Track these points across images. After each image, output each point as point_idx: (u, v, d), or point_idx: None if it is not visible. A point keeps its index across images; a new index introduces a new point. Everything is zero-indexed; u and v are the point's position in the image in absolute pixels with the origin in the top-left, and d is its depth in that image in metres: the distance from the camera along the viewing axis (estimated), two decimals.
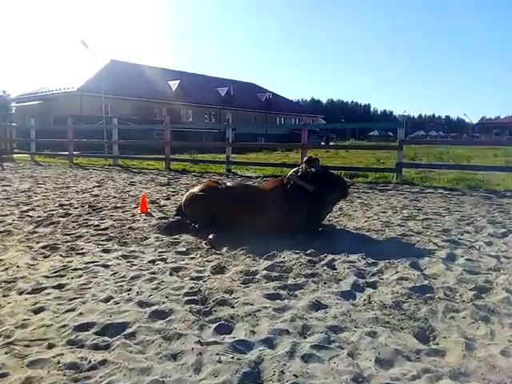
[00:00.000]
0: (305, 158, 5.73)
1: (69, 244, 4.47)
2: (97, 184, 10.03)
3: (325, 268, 3.84)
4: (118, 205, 7.05)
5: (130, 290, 3.17)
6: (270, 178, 12.15)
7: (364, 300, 3.07)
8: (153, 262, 3.94)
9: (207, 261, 3.99)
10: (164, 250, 4.35)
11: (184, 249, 4.36)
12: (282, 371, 2.05)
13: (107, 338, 2.41)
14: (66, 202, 7.20)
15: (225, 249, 4.35)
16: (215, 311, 2.80)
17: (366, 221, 6.01)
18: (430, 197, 8.82)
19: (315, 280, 3.51)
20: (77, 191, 8.70)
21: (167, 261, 3.97)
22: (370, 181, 11.51)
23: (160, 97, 39.89)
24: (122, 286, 3.24)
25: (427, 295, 3.16)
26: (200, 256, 4.15)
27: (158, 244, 4.53)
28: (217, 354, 2.19)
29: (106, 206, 6.87)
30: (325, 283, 3.46)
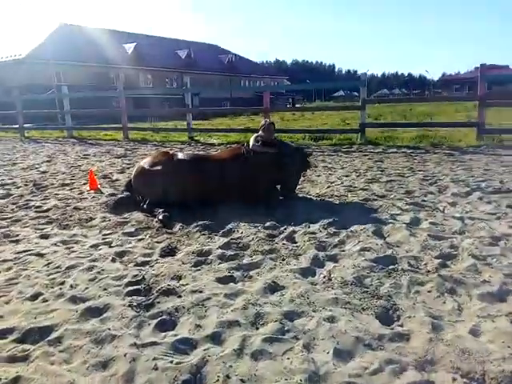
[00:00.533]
0: (260, 124, 5.37)
1: (2, 230, 4.01)
2: (47, 159, 9.33)
3: (284, 242, 3.58)
4: (66, 182, 6.51)
5: (63, 283, 2.80)
6: (233, 144, 11.73)
7: (324, 277, 2.83)
8: (95, 246, 3.56)
9: (157, 242, 3.65)
10: (110, 231, 3.96)
11: (132, 229, 3.99)
12: (228, 375, 1.79)
13: (27, 347, 2.07)
14: (9, 181, 6.59)
15: (178, 226, 4.02)
16: (158, 303, 2.50)
17: (328, 186, 5.78)
18: (393, 157, 8.70)
19: (273, 257, 3.25)
20: (23, 168, 8.03)
21: (112, 245, 3.60)
22: (335, 143, 11.29)
23: (116, 61, 37.76)
24: (54, 278, 2.87)
25: (390, 267, 2.97)
26: (149, 237, 3.80)
27: (103, 225, 4.13)
28: (153, 359, 1.90)
29: (53, 184, 6.33)
30: (283, 260, 3.20)
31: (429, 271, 2.89)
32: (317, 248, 3.39)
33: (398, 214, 4.31)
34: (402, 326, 2.19)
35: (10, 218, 4.46)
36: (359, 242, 3.49)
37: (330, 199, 4.98)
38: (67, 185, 6.28)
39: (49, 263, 3.16)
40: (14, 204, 5.12)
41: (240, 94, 45.70)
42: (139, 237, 3.80)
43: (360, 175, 6.67)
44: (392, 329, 2.15)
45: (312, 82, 60.58)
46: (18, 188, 6.10)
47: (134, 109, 26.13)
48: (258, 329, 2.19)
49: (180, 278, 2.88)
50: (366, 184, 5.91)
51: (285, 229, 3.91)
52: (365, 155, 9.08)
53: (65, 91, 15.64)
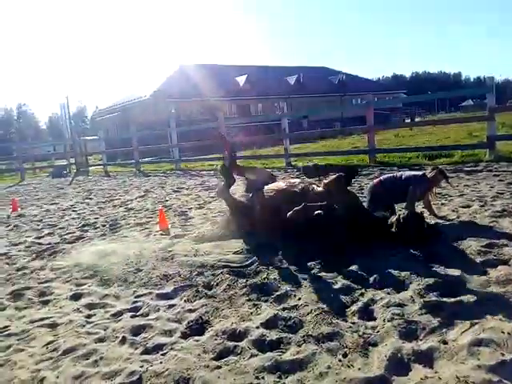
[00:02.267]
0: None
1: (41, 287, 3.66)
2: (142, 194, 9.46)
3: (354, 320, 2.49)
4: (142, 220, 6.23)
5: (42, 380, 2.16)
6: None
7: None
8: (117, 315, 2.92)
9: (189, 310, 2.86)
10: (145, 291, 3.31)
11: (170, 288, 3.29)
12: None
13: None
14: (92, 221, 6.57)
15: (223, 286, 3.20)
16: None
17: (436, 223, 4.40)
18: None
19: (331, 348, 2.20)
20: (114, 205, 8.14)
21: (136, 313, 2.92)
22: (456, 161, 9.45)
23: (228, 94, 39.58)
24: (38, 371, 2.25)
25: None
26: (184, 301, 3.03)
27: (142, 282, 3.51)
28: None
29: (129, 224, 6.09)
30: (345, 356, 2.13)
31: None
32: (401, 335, 2.23)
33: None
34: None
35: (60, 269, 4.15)
36: (472, 325, 2.23)
37: (435, 245, 3.65)
38: (141, 224, 5.97)
39: (50, 342, 2.58)
40: (75, 249, 4.87)
41: (351, 113, 44.05)
42: (173, 301, 3.07)
43: (485, 205, 5.08)
44: None
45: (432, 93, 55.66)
46: (96, 229, 5.98)
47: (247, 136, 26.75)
48: None
49: (187, 382, 2.03)
50: (493, 219, 4.37)
51: (361, 294, 2.81)
52: (495, 175, 7.23)
53: (173, 125, 16.38)
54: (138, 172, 16.64)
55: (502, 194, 5.65)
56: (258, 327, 2.50)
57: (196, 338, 2.49)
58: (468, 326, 2.22)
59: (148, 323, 2.70)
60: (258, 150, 18.10)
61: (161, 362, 2.23)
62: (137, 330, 2.64)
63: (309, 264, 3.43)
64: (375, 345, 2.20)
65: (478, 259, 3.18)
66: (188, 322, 2.66)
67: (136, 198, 8.81)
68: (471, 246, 3.50)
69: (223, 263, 3.75)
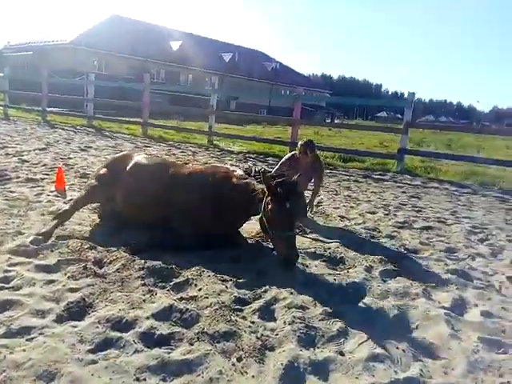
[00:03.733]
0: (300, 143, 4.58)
1: None
2: (42, 146, 8.46)
3: (253, 319, 2.35)
4: (36, 176, 5.52)
5: None
6: (253, 154, 10.60)
7: None
8: None
9: (71, 289, 2.49)
10: (22, 259, 2.84)
11: (54, 260, 2.86)
12: None
13: None
14: None
15: (117, 265, 2.87)
16: None
17: (344, 227, 4.49)
18: (433, 193, 7.28)
19: (226, 350, 2.03)
20: (8, 154, 7.15)
21: (8, 284, 2.47)
22: (367, 167, 9.93)
23: (159, 57, 37.60)
24: None
25: None
26: (68, 277, 2.65)
27: (22, 248, 3.02)
28: None
29: (19, 177, 5.35)
30: (239, 360, 1.97)
31: None
32: (300, 341, 2.14)
33: (434, 288, 3.00)
34: None
35: None
36: (369, 337, 2.21)
37: (340, 249, 3.66)
38: (34, 180, 5.28)
39: None
40: None
41: (278, 103, 44.66)
42: (54, 276, 2.66)
43: (389, 214, 5.33)
44: None
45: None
46: None
47: (170, 105, 25.59)
48: None
49: (52, 378, 1.71)
50: (395, 229, 4.58)
51: (265, 291, 2.68)
52: (399, 187, 7.70)
53: (91, 78, 15.01)
54: (43, 121, 15.01)
55: (405, 205, 6.00)
56: (148, 317, 2.23)
57: (74, 323, 2.15)
58: (365, 337, 2.19)
59: (17, 299, 2.29)
60: (182, 123, 17.38)
61: (24, 350, 1.87)
62: (1, 307, 2.22)
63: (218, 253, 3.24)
64: (272, 349, 2.08)
65: (379, 268, 3.24)
66: (67, 304, 2.30)
67: (34, 150, 7.84)
68: (373, 253, 3.58)
69: (123, 238, 3.40)
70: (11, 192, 4.60)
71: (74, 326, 2.12)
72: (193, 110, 18.24)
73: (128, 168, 3.77)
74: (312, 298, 2.63)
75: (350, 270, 3.19)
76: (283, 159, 4.80)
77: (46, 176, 5.60)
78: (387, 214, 5.30)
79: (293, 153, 4.86)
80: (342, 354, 2.07)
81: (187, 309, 2.34)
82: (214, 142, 12.11)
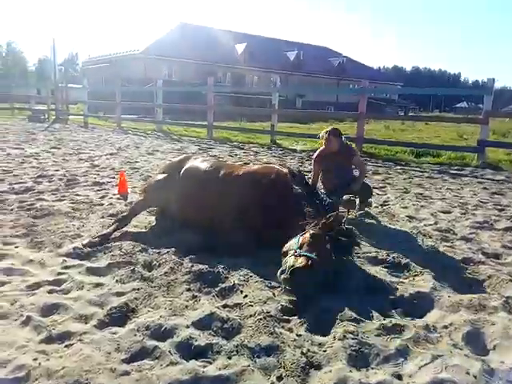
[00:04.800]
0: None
1: None
2: (114, 151, 8.91)
3: (300, 332, 2.14)
4: (103, 180, 5.76)
5: None
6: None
7: None
8: (34, 287, 2.51)
9: (117, 293, 2.47)
10: (75, 262, 2.89)
11: (103, 264, 2.88)
12: None
13: None
14: (50, 173, 6.05)
15: (166, 268, 2.81)
16: None
17: (413, 227, 4.08)
18: None
19: (267, 365, 1.85)
20: (81, 159, 7.60)
21: (57, 289, 2.51)
22: (443, 161, 9.16)
23: (225, 61, 38.35)
24: None
25: None
26: (116, 281, 2.64)
27: (75, 251, 3.08)
28: None
29: (87, 182, 5.61)
30: (279, 380, 1.77)
31: None
32: (350, 359, 1.89)
33: None
34: None
35: None
36: (435, 358, 1.90)
37: (405, 251, 3.31)
38: (100, 184, 5.50)
39: None
40: (21, 202, 4.38)
41: (346, 98, 43.42)
42: (103, 279, 2.67)
43: (466, 213, 4.79)
44: None
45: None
46: (50, 182, 5.49)
47: (236, 107, 25.93)
48: None
49: None
50: (473, 230, 4.07)
51: (315, 300, 2.45)
52: (480, 182, 6.96)
53: (159, 85, 15.62)
54: (117, 128, 15.92)
55: (485, 203, 5.37)
56: (188, 326, 2.12)
57: (114, 329, 2.11)
58: (429, 359, 1.89)
59: (64, 303, 2.30)
60: (246, 123, 17.48)
61: (60, 357, 1.84)
62: (47, 310, 2.24)
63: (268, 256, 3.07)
64: (318, 367, 1.86)
65: (452, 276, 2.86)
66: (110, 308, 2.27)
67: (106, 155, 8.27)
68: (445, 258, 3.17)
69: (174, 241, 3.36)
70: (77, 195, 4.81)
71: (114, 333, 2.07)
72: (256, 110, 18.21)
73: (182, 171, 3.76)
74: (369, 309, 2.36)
75: (416, 278, 2.84)
76: (313, 161, 4.48)
77: (112, 180, 5.82)
78: (464, 214, 4.76)
79: (317, 150, 4.50)
80: (399, 377, 1.79)
81: (229, 318, 2.19)
82: (277, 142, 11.96)
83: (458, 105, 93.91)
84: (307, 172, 7.42)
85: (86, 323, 2.16)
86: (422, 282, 2.77)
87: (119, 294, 2.45)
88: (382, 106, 42.72)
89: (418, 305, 2.46)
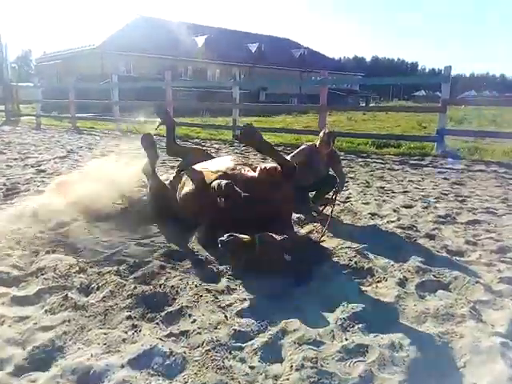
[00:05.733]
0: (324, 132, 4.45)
1: None
2: (64, 154, 8.37)
3: (253, 363, 1.89)
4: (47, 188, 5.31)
5: None
6: (281, 146, 10.07)
7: None
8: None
9: (44, 327, 2.13)
10: (4, 288, 2.53)
11: (36, 288, 2.53)
12: None
13: None
14: None
15: (105, 291, 2.49)
16: None
17: (374, 225, 3.92)
18: (479, 178, 6.51)
19: None
20: (27, 164, 7.05)
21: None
22: (403, 152, 9.19)
23: (185, 54, 37.53)
24: None
25: None
26: (46, 311, 2.30)
27: (6, 274, 2.71)
28: None
29: (29, 190, 5.15)
30: None
31: None
32: None
33: (484, 304, 2.42)
34: None
35: None
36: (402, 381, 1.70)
37: (368, 253, 3.13)
38: (43, 193, 5.05)
39: None
40: None
41: (309, 90, 43.57)
42: (29, 310, 2.32)
43: (428, 207, 4.70)
44: None
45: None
46: None
47: (198, 102, 25.31)
48: None
49: None
50: (435, 225, 3.96)
51: (272, 320, 2.22)
52: (440, 172, 6.97)
53: (115, 80, 14.96)
54: (72, 128, 15.15)
55: (447, 194, 5.33)
56: (123, 366, 1.83)
57: (34, 375, 1.79)
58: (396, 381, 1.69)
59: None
60: (208, 119, 17.04)
61: None
62: None
63: (222, 267, 2.82)
64: None
65: (416, 280, 2.70)
66: (33, 348, 1.94)
67: (54, 159, 7.72)
68: (407, 260, 3.02)
69: (119, 256, 3.05)
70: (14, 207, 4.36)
71: (33, 381, 1.75)
72: (217, 105, 17.81)
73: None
74: (329, 326, 2.15)
75: (379, 285, 2.67)
76: (300, 149, 4.49)
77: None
78: (426, 208, 4.67)
79: (311, 144, 4.57)
80: None
81: (172, 352, 1.91)
82: None
83: (416, 93, 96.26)
84: None
85: (1, 370, 1.82)
86: (386, 289, 2.59)
87: (46, 329, 2.12)
88: (343, 97, 43.18)
89: (382, 317, 2.27)
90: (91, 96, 18.83)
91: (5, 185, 5.40)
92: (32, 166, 6.86)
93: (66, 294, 2.43)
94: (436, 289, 2.60)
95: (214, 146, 10.28)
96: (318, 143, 4.43)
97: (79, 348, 1.98)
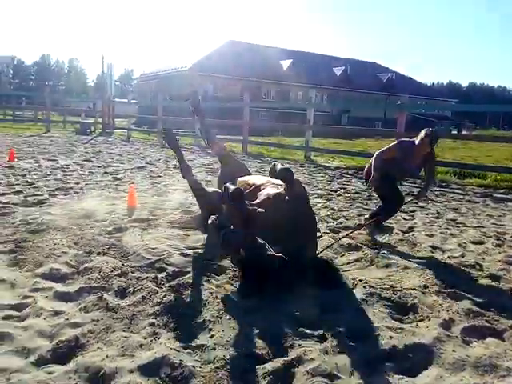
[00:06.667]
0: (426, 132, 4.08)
1: None
2: (142, 165, 8.98)
3: None
4: (119, 194, 5.70)
5: None
6: (352, 170, 9.82)
7: None
8: None
9: (74, 323, 2.26)
10: (50, 283, 2.74)
11: (75, 287, 2.70)
12: None
13: None
14: (69, 186, 6.10)
15: (138, 296, 2.58)
16: None
17: (432, 259, 3.60)
18: None
19: None
20: (106, 172, 7.67)
21: (17, 313, 2.34)
22: (488, 184, 8.42)
23: (270, 77, 38.58)
24: None
25: None
26: (80, 309, 2.43)
27: (54, 270, 2.93)
28: None
29: (101, 196, 5.58)
30: None
31: None
32: None
33: None
34: None
35: None
36: None
37: (416, 292, 2.87)
38: (114, 198, 5.43)
39: None
40: (26, 215, 4.36)
41: (394, 114, 42.11)
42: (66, 306, 2.48)
43: (501, 245, 4.22)
44: None
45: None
46: (66, 195, 5.49)
47: (275, 122, 25.82)
48: None
49: None
50: (504, 266, 3.53)
51: (291, 346, 2.11)
52: None
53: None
54: (157, 142, 16.23)
55: None
56: (132, 371, 1.87)
57: (53, 367, 1.89)
58: None
59: (11, 333, 2.12)
60: (282, 138, 17.24)
61: None
62: None
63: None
64: None
65: (463, 324, 2.41)
66: (58, 342, 2.06)
67: (132, 168, 8.32)
68: (459, 302, 2.71)
69: (161, 264, 3.15)
70: (83, 210, 4.73)
71: (50, 373, 1.85)
72: (292, 126, 17.93)
73: None
74: (351, 361, 1.99)
75: (419, 324, 2.42)
76: (396, 143, 4.21)
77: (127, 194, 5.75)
78: (499, 246, 4.19)
79: (412, 140, 4.15)
80: None
81: (181, 364, 1.91)
82: (312, 158, 11.60)
83: None
84: (333, 191, 7.05)
85: (26, 358, 1.96)
86: (427, 329, 2.35)
87: (75, 326, 2.24)
88: (432, 123, 41.02)
89: (414, 360, 2.05)
90: (179, 114, 20.06)
91: (81, 189, 5.92)
92: (110, 174, 7.44)
93: (102, 295, 2.56)
94: (485, 335, 2.30)
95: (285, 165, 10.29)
96: (417, 141, 4.07)
97: (99, 347, 2.06)
